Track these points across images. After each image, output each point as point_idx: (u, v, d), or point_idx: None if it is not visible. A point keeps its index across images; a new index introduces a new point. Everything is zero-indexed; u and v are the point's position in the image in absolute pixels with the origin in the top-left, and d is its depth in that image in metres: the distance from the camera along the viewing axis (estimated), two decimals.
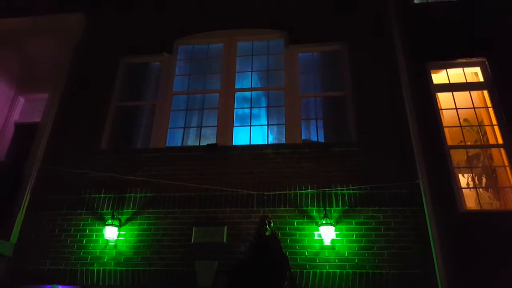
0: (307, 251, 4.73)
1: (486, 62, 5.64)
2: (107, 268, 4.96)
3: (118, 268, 4.94)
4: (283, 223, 4.90)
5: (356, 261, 4.61)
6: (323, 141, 5.79)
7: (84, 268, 5.00)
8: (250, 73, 6.41)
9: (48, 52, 6.82)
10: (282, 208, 5.00)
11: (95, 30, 6.92)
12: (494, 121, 5.36)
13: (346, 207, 4.91)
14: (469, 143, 5.57)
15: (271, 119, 6.10)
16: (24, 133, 6.75)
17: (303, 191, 5.05)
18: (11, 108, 7.13)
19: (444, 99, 5.63)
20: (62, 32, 6.79)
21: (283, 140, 5.71)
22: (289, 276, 3.99)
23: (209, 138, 5.93)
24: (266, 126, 6.00)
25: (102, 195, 5.41)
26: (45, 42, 6.82)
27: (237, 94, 6.17)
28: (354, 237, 4.74)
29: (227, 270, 4.34)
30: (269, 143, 5.81)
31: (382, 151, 5.19)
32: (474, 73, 5.84)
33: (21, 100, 7.38)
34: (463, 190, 5.02)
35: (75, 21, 6.85)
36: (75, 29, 6.81)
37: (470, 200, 5.13)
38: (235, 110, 6.01)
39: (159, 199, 5.26)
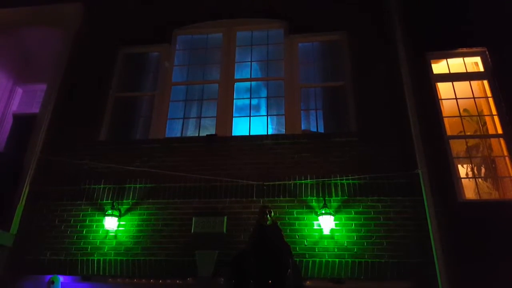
0: (307, 241, 4.75)
1: (487, 52, 5.61)
2: (107, 258, 4.98)
3: (118, 258, 4.96)
4: (283, 213, 4.91)
5: (355, 250, 4.64)
6: (322, 131, 5.78)
7: (84, 258, 5.01)
8: (249, 63, 6.38)
9: (46, 43, 6.79)
10: (282, 198, 5.01)
11: (93, 20, 6.85)
12: (494, 111, 5.35)
13: (346, 197, 4.92)
14: (468, 133, 5.58)
15: (271, 109, 6.08)
16: (23, 124, 6.75)
17: (303, 181, 5.06)
18: (9, 99, 7.12)
19: (444, 89, 5.62)
20: (60, 22, 6.73)
21: (283, 131, 5.70)
22: (292, 264, 4.00)
23: (208, 128, 5.92)
24: (266, 117, 5.98)
25: (102, 185, 5.41)
26: (43, 32, 6.78)
27: (237, 84, 6.15)
28: (353, 227, 4.76)
29: (228, 259, 4.35)
30: (268, 133, 5.79)
31: (382, 141, 5.19)
32: (474, 63, 5.82)
33: (19, 91, 7.37)
34: (462, 180, 5.04)
35: (74, 11, 6.77)
36: (74, 19, 6.74)
37: (469, 190, 5.15)
38: (234, 100, 6.00)
39: (159, 189, 5.26)
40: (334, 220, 4.75)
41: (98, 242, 5.08)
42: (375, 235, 4.68)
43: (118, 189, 5.35)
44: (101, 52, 6.54)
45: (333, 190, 4.97)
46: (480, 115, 5.59)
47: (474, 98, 5.57)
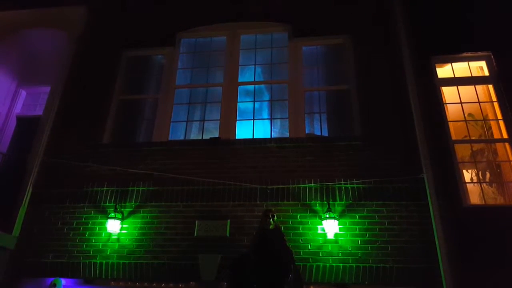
0: (310, 245, 4.72)
1: (492, 56, 5.59)
2: (110, 261, 4.95)
3: (121, 261, 4.93)
4: (286, 217, 4.88)
5: (360, 255, 4.60)
6: (326, 135, 5.77)
7: (87, 261, 4.99)
8: (253, 66, 6.37)
9: (50, 45, 6.80)
10: (285, 202, 4.98)
11: (97, 23, 6.87)
12: (499, 116, 5.32)
13: (350, 201, 4.88)
14: (473, 138, 5.53)
15: (275, 113, 6.07)
16: (26, 126, 6.77)
17: (307, 185, 5.03)
18: (13, 101, 7.14)
19: (448, 93, 5.59)
20: (64, 24, 6.75)
21: (287, 134, 5.68)
22: (294, 269, 3.97)
23: (212, 132, 5.91)
24: (269, 120, 5.98)
25: (105, 188, 5.39)
26: (47, 35, 6.80)
27: (240, 87, 6.13)
28: (357, 231, 4.72)
29: (231, 263, 4.32)
30: (272, 137, 5.78)
31: (386, 145, 5.17)
32: (479, 67, 5.79)
33: (23, 93, 7.40)
34: (467, 185, 5.00)
35: (78, 14, 6.79)
36: (78, 22, 6.76)
37: (474, 195, 5.10)
38: (238, 103, 5.98)
39: (162, 192, 5.24)
40: (338, 224, 4.72)
41: (100, 245, 5.06)
42: (379, 240, 4.64)
43: (121, 192, 5.33)
44: (105, 55, 6.56)
45: (337, 194, 4.94)
46: (485, 119, 5.56)
47: (479, 102, 5.54)
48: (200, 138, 5.94)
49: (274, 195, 5.03)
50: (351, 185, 4.96)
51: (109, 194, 5.35)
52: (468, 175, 5.51)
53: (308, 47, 6.31)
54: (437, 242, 4.47)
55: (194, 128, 6.17)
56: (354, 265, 4.56)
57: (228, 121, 5.79)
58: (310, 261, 4.63)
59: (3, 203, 5.39)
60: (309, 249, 4.69)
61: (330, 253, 4.65)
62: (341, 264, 4.58)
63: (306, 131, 5.65)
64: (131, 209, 5.21)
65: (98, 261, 4.96)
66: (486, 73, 5.64)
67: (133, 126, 6.26)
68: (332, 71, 6.27)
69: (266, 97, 6.27)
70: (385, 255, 4.56)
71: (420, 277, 4.42)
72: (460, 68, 5.75)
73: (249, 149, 5.43)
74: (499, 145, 5.38)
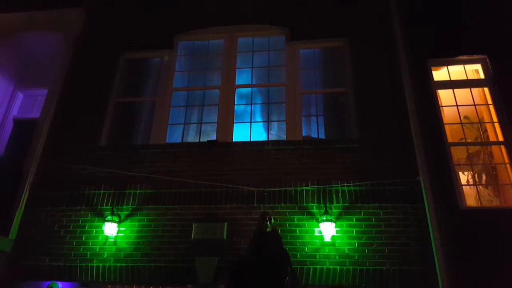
0: (308, 248, 4.72)
1: (487, 59, 5.62)
2: (107, 264, 4.94)
3: (118, 264, 4.92)
4: (284, 219, 4.89)
5: (357, 258, 4.61)
6: (323, 137, 5.77)
7: (84, 264, 4.98)
8: (250, 69, 6.38)
9: (47, 48, 6.79)
10: (283, 205, 4.99)
11: (95, 25, 6.88)
12: (495, 118, 5.36)
13: (347, 204, 4.90)
14: (469, 140, 5.57)
15: (272, 115, 6.08)
16: (23, 129, 6.75)
17: (304, 188, 5.04)
18: (9, 104, 7.12)
19: (444, 96, 5.63)
20: (61, 27, 6.75)
21: (284, 137, 5.70)
22: (291, 272, 3.97)
23: (209, 134, 5.92)
24: (267, 123, 5.99)
25: (102, 191, 5.39)
26: (44, 37, 6.79)
27: (238, 90, 6.15)
28: (354, 234, 4.74)
29: (228, 266, 4.32)
30: (269, 139, 5.79)
31: (383, 147, 5.19)
32: (475, 70, 5.83)
33: (20, 95, 7.38)
34: (463, 187, 5.02)
35: (75, 16, 6.79)
36: (75, 24, 6.76)
37: (470, 197, 5.13)
38: (235, 106, 5.99)
39: (159, 195, 5.24)
40: (335, 226, 4.73)
41: (97, 248, 5.05)
42: (376, 242, 4.66)
43: (118, 195, 5.32)
44: (102, 57, 6.55)
45: (334, 196, 4.95)
46: (481, 122, 5.59)
47: (474, 105, 5.58)
48: (198, 140, 5.95)
49: (271, 197, 5.04)
50: (348, 188, 4.97)
51: (106, 197, 5.34)
52: (464, 177, 5.54)
53: (305, 50, 6.33)
54: (433, 244, 4.49)
55: (191, 130, 6.17)
56: (351, 267, 4.57)
57: (225, 123, 5.80)
58: (307, 263, 4.64)
59: (0, 206, 5.36)
60: (306, 252, 4.70)
61: (327, 255, 4.66)
62: (338, 267, 4.59)
63: (303, 134, 5.66)
64: (128, 212, 5.20)
65: (95, 265, 4.95)
66: (482, 76, 5.68)
67: (131, 129, 6.25)
68: (329, 73, 6.29)
69: (264, 99, 6.27)
70: (381, 257, 4.57)
71: (416, 280, 4.44)
72: (456, 71, 5.79)
73: (246, 152, 5.44)
74: (494, 148, 5.41)
